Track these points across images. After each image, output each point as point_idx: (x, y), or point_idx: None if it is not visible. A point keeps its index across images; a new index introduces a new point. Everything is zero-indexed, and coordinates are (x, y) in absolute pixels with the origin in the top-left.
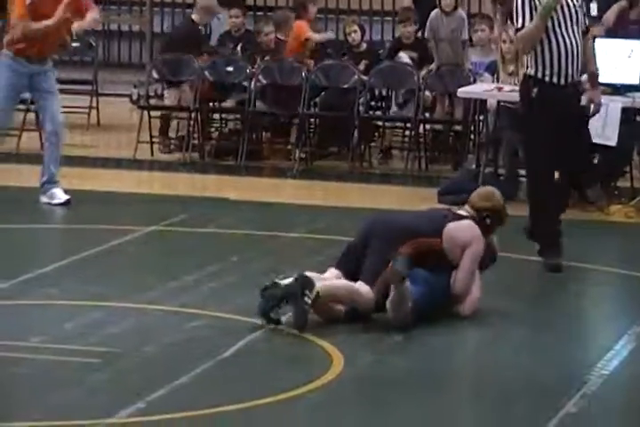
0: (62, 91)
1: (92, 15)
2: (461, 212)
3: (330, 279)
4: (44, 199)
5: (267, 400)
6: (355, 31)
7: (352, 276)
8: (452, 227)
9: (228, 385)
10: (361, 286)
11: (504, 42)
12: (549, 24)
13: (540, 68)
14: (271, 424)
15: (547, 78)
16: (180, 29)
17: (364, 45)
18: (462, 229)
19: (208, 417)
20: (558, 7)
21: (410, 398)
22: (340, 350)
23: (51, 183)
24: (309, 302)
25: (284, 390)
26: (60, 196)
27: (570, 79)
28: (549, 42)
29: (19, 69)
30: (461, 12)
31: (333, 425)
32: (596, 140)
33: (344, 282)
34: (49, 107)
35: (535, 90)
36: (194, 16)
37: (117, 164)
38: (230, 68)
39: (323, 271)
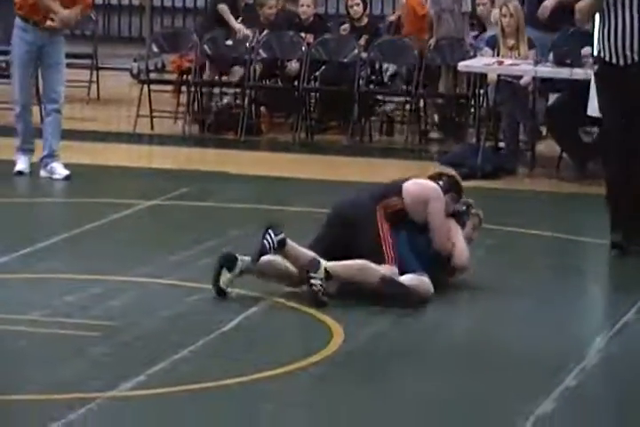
0: None
1: (68, 13)
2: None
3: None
4: (43, 173)
5: (267, 374)
6: (357, 4)
7: (328, 255)
8: (408, 183)
9: (228, 359)
10: (383, 268)
11: (504, 16)
12: (609, 2)
13: (599, 46)
14: (272, 398)
15: (606, 58)
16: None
17: (366, 19)
18: (419, 182)
19: (209, 391)
20: None
21: (410, 372)
22: (340, 324)
23: (51, 157)
24: (319, 284)
25: (285, 364)
26: (59, 171)
27: (630, 60)
28: (607, 20)
29: (30, 40)
30: None
31: (334, 399)
32: (596, 114)
33: (362, 263)
34: (55, 81)
35: (596, 67)
36: None
37: (117, 138)
38: (230, 42)
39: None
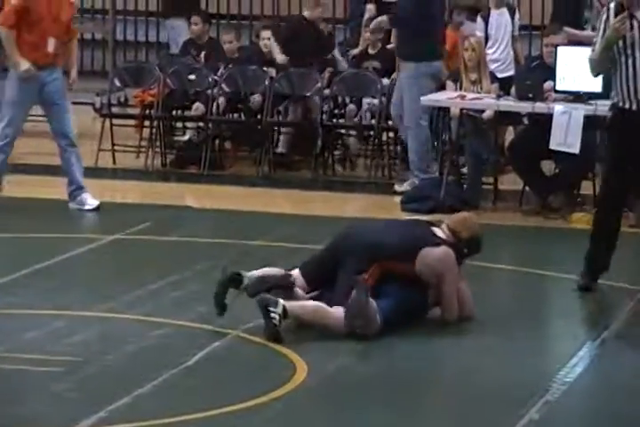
0: None
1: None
2: (439, 233)
3: (301, 299)
4: (72, 206)
5: (231, 409)
6: (269, 38)
7: (315, 285)
8: (427, 254)
9: (191, 394)
10: (334, 311)
11: (466, 50)
12: (619, 46)
13: (614, 92)
14: None
15: (619, 103)
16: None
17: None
18: (438, 257)
19: (171, 426)
20: (628, 29)
21: (374, 406)
22: (303, 357)
23: (79, 189)
24: (277, 317)
25: (248, 399)
26: (90, 202)
27: None
28: (619, 66)
29: (27, 80)
30: None
31: None
32: (558, 147)
33: (315, 305)
34: (62, 118)
35: (610, 113)
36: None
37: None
38: (193, 77)
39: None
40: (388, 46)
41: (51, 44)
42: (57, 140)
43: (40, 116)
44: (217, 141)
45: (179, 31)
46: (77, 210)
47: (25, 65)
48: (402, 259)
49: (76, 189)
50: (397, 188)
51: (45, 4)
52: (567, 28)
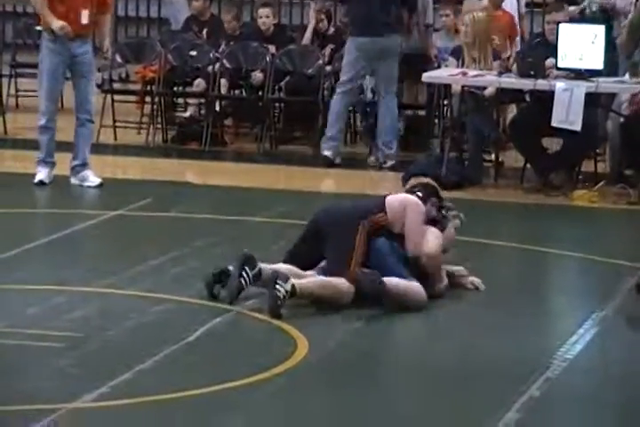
0: (25, 74)
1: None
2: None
3: (305, 277)
4: (74, 181)
5: (232, 384)
6: (267, 16)
7: (304, 269)
8: (389, 198)
9: (192, 369)
10: (339, 283)
11: (463, 26)
12: None
13: None
14: (237, 408)
15: None
16: None
17: (332, 29)
18: (397, 197)
19: (173, 401)
20: None
21: (374, 382)
22: (304, 334)
23: (83, 166)
24: (282, 293)
25: (249, 375)
26: (91, 179)
27: None
28: None
29: (61, 51)
30: None
31: (298, 409)
32: (560, 124)
33: (320, 279)
34: (88, 91)
35: None
36: None
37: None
38: (194, 53)
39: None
40: None
41: (84, 16)
42: (76, 113)
43: (36, 91)
44: (218, 118)
45: (178, 7)
46: (78, 186)
47: (58, 23)
48: (376, 212)
49: (81, 164)
50: (375, 161)
51: None
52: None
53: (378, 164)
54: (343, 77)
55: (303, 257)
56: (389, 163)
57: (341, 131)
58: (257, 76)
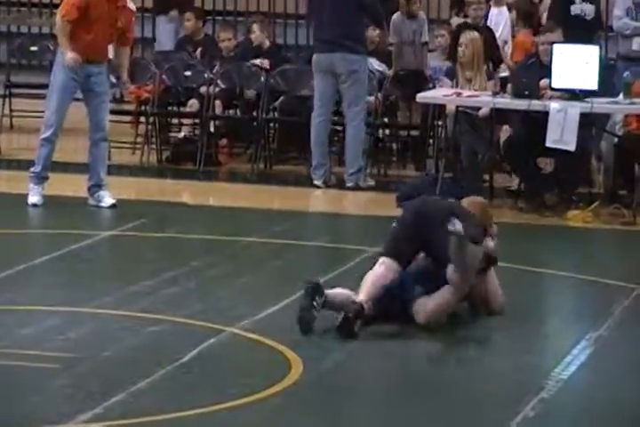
0: (19, 95)
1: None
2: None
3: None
4: (91, 202)
5: (226, 405)
6: (229, 39)
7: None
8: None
9: (187, 390)
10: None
11: (459, 46)
12: None
13: None
14: None
15: None
16: None
17: None
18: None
19: (167, 422)
20: None
21: (368, 404)
22: (299, 355)
23: (99, 186)
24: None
25: (243, 396)
26: (106, 200)
27: None
28: None
29: (77, 70)
30: (423, 15)
31: None
32: (554, 145)
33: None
34: (102, 110)
35: None
36: None
37: (75, 168)
38: (188, 73)
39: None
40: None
41: (109, 50)
42: (90, 133)
43: (30, 111)
44: (212, 138)
45: (161, 28)
46: (95, 206)
47: (71, 54)
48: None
49: (95, 185)
50: (362, 183)
51: (106, 5)
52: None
53: (353, 185)
54: (316, 104)
55: (406, 250)
56: (365, 184)
57: (325, 155)
58: (250, 92)
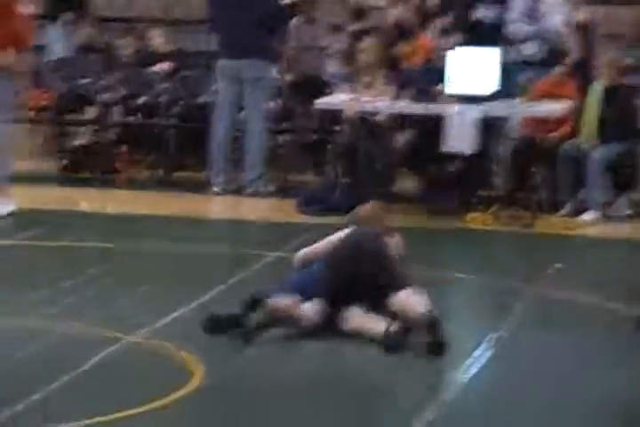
0: None
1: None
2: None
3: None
4: None
5: (127, 413)
6: (159, 36)
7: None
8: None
9: (89, 398)
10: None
11: (360, 52)
12: None
13: None
14: None
15: None
16: None
17: None
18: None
19: None
20: None
21: (271, 410)
22: (201, 361)
23: None
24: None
25: (145, 402)
26: (3, 208)
27: None
28: None
29: None
30: (322, 20)
31: None
32: (450, 149)
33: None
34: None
35: None
36: None
37: None
38: (85, 80)
39: None
40: None
41: (8, 54)
42: None
43: None
44: (111, 145)
45: (53, 37)
46: None
47: None
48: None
49: None
50: (261, 189)
51: None
52: None
53: (253, 191)
54: (218, 110)
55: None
56: (265, 190)
57: (226, 161)
58: (145, 100)
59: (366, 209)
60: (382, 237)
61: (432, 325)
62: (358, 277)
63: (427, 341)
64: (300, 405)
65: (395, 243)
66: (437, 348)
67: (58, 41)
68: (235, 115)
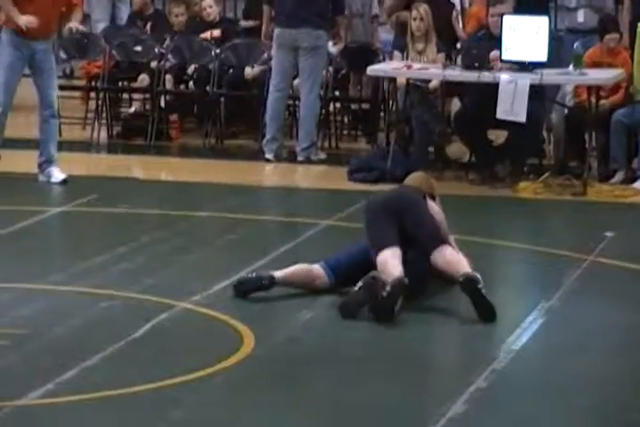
0: None
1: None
2: None
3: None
4: (41, 178)
5: (178, 380)
6: (210, 6)
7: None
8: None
9: (139, 365)
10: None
11: (414, 19)
12: None
13: None
14: (183, 404)
15: None
16: None
17: None
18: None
19: (119, 398)
20: None
21: (322, 377)
22: (251, 328)
23: (49, 162)
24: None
25: (196, 370)
26: (56, 175)
27: None
28: None
29: (21, 48)
30: None
31: (245, 404)
32: (505, 116)
33: (302, 267)
34: (49, 87)
35: None
36: None
37: (26, 144)
38: (139, 48)
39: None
40: None
41: (52, 22)
42: (40, 110)
43: None
44: (163, 113)
45: (94, 4)
46: (46, 182)
47: (24, 18)
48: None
49: (46, 161)
50: (313, 157)
51: None
52: None
53: (304, 159)
54: (274, 79)
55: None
56: (317, 157)
57: (280, 129)
58: (250, 71)
59: (415, 177)
60: (425, 198)
61: (475, 285)
62: (402, 230)
63: (474, 305)
64: (351, 373)
65: (438, 209)
66: (489, 314)
67: (101, 9)
68: (289, 83)
